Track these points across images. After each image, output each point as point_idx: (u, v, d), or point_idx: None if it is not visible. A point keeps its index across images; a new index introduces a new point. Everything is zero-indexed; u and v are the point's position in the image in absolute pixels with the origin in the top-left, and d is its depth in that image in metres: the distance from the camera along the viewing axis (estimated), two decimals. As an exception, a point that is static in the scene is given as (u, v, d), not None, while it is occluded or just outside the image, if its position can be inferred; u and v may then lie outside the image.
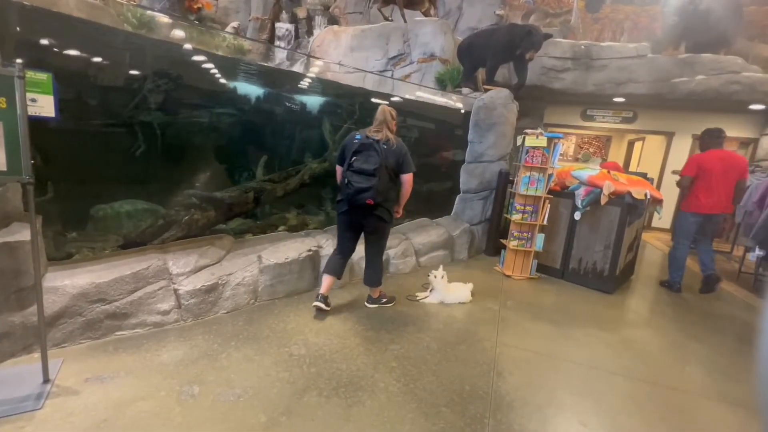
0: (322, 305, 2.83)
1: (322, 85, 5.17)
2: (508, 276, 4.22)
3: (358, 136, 2.70)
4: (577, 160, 11.63)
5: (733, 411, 2.21)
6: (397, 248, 4.01)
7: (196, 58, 3.80)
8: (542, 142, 3.93)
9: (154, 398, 1.85)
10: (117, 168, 3.55)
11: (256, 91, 4.62)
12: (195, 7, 5.32)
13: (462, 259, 4.71)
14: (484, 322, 3.06)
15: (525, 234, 4.17)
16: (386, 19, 7.01)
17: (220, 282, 2.77)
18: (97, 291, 2.29)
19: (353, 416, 1.85)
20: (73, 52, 2.96)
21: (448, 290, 3.36)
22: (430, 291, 3.36)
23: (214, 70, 4.07)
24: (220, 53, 4.75)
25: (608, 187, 3.80)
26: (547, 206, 4.09)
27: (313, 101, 5.11)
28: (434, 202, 5.51)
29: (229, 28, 7.31)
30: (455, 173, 5.14)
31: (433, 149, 5.69)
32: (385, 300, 3.17)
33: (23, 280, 2.01)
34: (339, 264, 2.94)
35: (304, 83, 5.08)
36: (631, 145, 10.44)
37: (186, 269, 2.69)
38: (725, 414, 2.19)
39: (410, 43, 6.12)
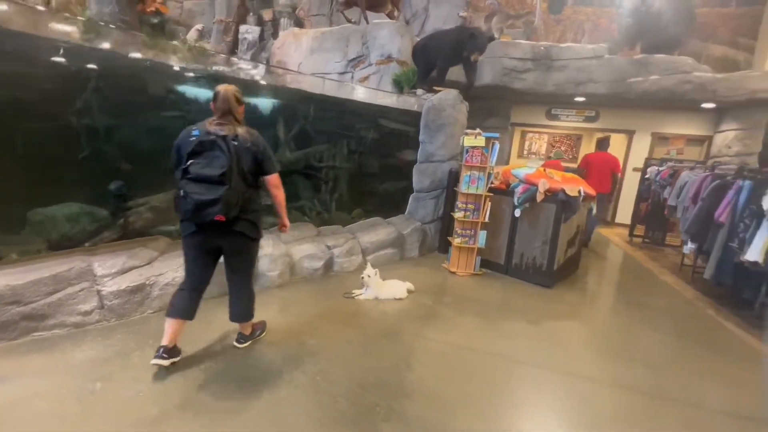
0: (161, 362, 2.11)
1: (277, 90, 5.22)
2: (453, 272, 4.33)
3: (195, 132, 2.05)
4: (549, 158, 11.87)
5: (640, 399, 2.33)
6: (342, 247, 4.10)
7: (141, 64, 3.83)
8: (480, 141, 4.05)
9: (54, 396, 1.91)
10: (59, 171, 3.56)
11: (206, 93, 4.66)
12: (149, 10, 5.32)
13: (413, 257, 4.81)
14: (414, 318, 3.15)
15: (468, 231, 4.28)
16: (348, 21, 7.09)
17: (147, 282, 2.82)
18: (12, 293, 2.32)
19: (246, 408, 1.92)
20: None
21: (382, 287, 3.45)
22: (366, 288, 3.45)
23: (161, 76, 4.10)
24: (174, 58, 4.75)
25: (543, 184, 3.93)
26: (488, 204, 4.21)
27: (267, 104, 5.16)
28: (391, 201, 5.60)
29: (192, 31, 7.28)
30: (410, 173, 5.25)
31: (389, 150, 5.78)
32: (259, 332, 2.59)
33: (-72, 283, 2.05)
34: (190, 302, 2.22)
35: (259, 88, 5.13)
36: (599, 143, 10.70)
37: (112, 270, 2.73)
38: (627, 401, 2.31)
39: (369, 45, 6.21)
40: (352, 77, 6.30)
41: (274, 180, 2.26)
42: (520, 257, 4.31)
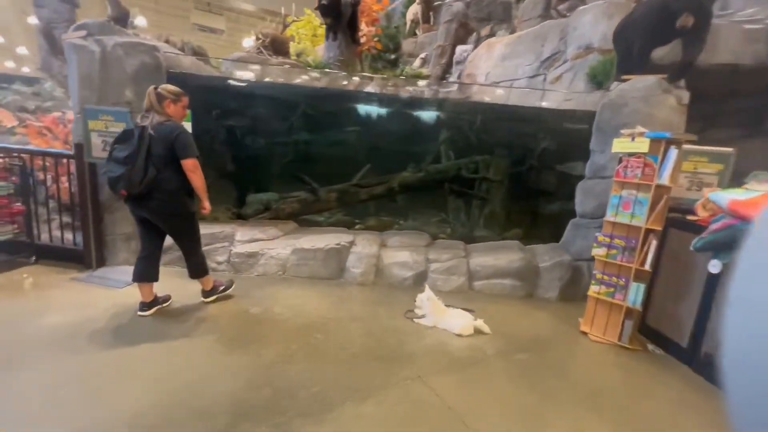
0: (142, 313, 2.74)
1: (441, 103, 5.32)
2: (585, 333, 3.03)
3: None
4: None
5: None
6: (443, 263, 3.74)
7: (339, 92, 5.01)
8: (641, 146, 2.64)
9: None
10: (272, 171, 5.15)
11: (383, 111, 5.36)
12: (366, 48, 6.63)
13: (547, 298, 3.70)
14: (446, 357, 2.55)
15: (613, 279, 2.89)
16: (562, 16, 6.12)
17: (260, 252, 3.70)
18: (189, 239, 3.68)
19: (232, 358, 2.29)
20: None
21: (439, 314, 2.94)
22: (421, 310, 3.04)
23: (351, 100, 5.14)
24: (372, 84, 5.75)
25: (765, 222, 2.13)
26: (652, 243, 2.68)
27: (431, 116, 5.32)
28: (558, 225, 4.47)
29: (417, 60, 8.41)
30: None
31: (562, 163, 4.62)
32: (222, 288, 3.10)
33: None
34: (143, 267, 2.74)
35: (431, 104, 5.41)
36: None
37: (244, 238, 3.78)
38: None
39: (567, 38, 5.16)
40: (544, 79, 5.43)
41: (187, 164, 2.59)
42: (717, 344, 2.49)
